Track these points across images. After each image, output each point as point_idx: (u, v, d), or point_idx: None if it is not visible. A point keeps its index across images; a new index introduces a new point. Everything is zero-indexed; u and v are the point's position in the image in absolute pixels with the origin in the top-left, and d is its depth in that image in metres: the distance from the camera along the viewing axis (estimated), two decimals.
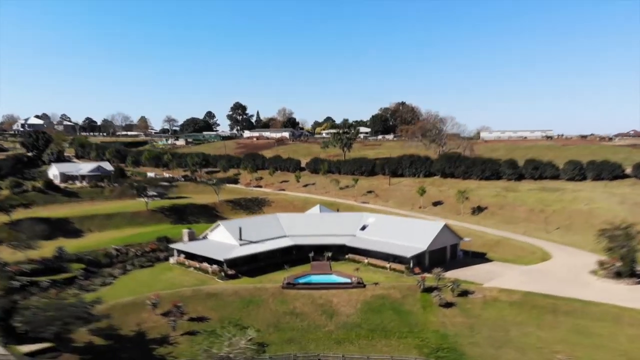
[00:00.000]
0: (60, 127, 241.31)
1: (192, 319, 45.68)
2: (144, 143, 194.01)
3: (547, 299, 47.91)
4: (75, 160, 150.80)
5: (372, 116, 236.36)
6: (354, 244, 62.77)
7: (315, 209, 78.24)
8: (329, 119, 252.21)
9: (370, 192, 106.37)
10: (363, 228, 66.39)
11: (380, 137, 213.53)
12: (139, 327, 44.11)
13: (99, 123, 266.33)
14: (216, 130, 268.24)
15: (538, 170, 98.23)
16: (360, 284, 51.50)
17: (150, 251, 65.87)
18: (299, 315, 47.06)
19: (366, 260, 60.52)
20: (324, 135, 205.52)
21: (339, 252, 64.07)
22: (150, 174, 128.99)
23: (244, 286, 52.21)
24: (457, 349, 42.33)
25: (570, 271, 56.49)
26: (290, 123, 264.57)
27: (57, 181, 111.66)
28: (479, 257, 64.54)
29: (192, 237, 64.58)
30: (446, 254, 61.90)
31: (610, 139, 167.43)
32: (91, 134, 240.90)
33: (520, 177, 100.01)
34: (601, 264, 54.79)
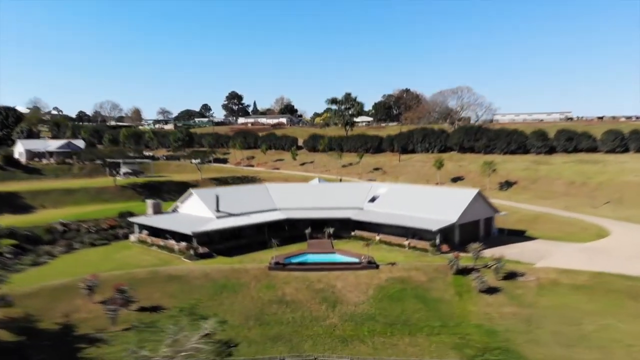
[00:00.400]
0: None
1: (142, 309, 33.85)
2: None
3: (626, 280, 36.20)
4: (48, 139, 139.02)
5: (375, 104, 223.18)
6: (362, 218, 50.87)
7: (314, 181, 66.33)
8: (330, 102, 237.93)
9: (377, 169, 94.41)
10: (372, 200, 54.49)
11: (383, 124, 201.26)
12: (66, 318, 32.27)
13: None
14: (207, 117, 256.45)
15: (572, 141, 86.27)
16: (372, 264, 39.69)
17: (108, 228, 54.00)
18: (290, 304, 35.24)
19: (377, 237, 48.66)
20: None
21: (343, 228, 52.23)
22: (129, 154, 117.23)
23: (219, 267, 40.36)
24: (511, 350, 30.39)
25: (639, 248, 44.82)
26: (288, 110, 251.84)
27: (22, 159, 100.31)
28: (517, 235, 52.67)
29: (158, 210, 52.76)
30: (479, 230, 50.03)
31: (638, 117, 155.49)
32: (81, 124, 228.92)
33: (551, 151, 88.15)
34: None
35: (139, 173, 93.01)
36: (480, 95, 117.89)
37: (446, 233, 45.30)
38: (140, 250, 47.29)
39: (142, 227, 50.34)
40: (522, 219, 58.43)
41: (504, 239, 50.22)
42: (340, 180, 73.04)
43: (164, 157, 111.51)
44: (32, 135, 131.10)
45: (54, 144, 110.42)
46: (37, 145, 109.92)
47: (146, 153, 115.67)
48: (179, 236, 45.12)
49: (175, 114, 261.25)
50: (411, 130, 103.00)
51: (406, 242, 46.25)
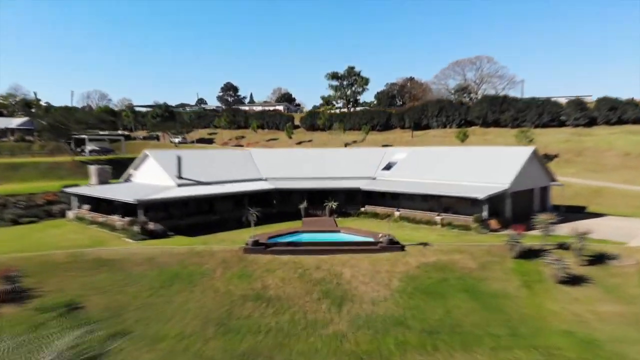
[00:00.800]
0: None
1: (43, 309, 22.22)
2: None
3: None
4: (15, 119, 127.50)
5: (377, 93, 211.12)
6: (375, 188, 39.10)
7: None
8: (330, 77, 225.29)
9: (386, 146, 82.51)
10: (388, 167, 42.71)
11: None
12: None
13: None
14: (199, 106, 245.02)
15: (616, 111, 74.30)
16: (395, 244, 27.98)
17: (44, 203, 42.33)
18: (273, 302, 23.47)
19: (397, 213, 36.88)
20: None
21: (350, 203, 40.58)
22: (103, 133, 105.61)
23: (172, 249, 28.64)
24: None
25: None
26: (286, 99, 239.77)
27: None
28: (577, 212, 40.87)
29: (105, 178, 41.11)
30: (533, 203, 38.35)
31: None
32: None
33: (590, 123, 76.28)
34: None
35: (108, 151, 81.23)
36: (503, 66, 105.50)
37: (494, 205, 33.53)
38: (74, 228, 35.48)
39: (83, 200, 38.56)
40: (579, 193, 46.72)
41: (564, 216, 38.46)
42: (346, 145, 61.25)
43: (142, 138, 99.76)
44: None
45: (15, 121, 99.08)
46: None
47: (121, 132, 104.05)
48: (125, 210, 33.39)
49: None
50: (425, 104, 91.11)
51: (438, 218, 34.49)
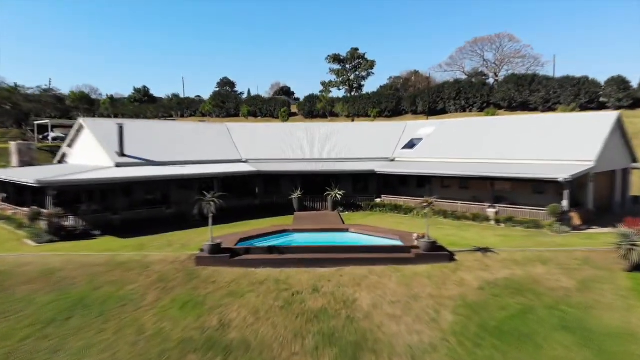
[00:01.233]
0: None
1: None
2: None
3: None
4: None
5: (380, 87, 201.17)
6: (397, 170, 29.11)
7: None
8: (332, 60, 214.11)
9: None
10: (410, 145, 32.70)
11: None
12: None
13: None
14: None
15: None
16: (439, 251, 17.94)
17: None
18: (235, 354, 13.43)
19: (417, 206, 26.79)
20: None
21: (359, 192, 30.70)
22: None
23: (85, 258, 18.63)
24: None
25: None
26: (284, 92, 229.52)
27: None
28: None
29: (30, 159, 31.11)
30: (614, 190, 28.31)
31: None
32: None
33: (635, 104, 66.52)
34: None
35: None
36: (525, 44, 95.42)
37: (572, 190, 23.47)
38: None
39: None
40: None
41: None
42: (353, 119, 51.34)
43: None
44: None
45: None
46: None
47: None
48: (43, 200, 23.34)
49: None
50: (441, 85, 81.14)
51: (491, 211, 24.45)
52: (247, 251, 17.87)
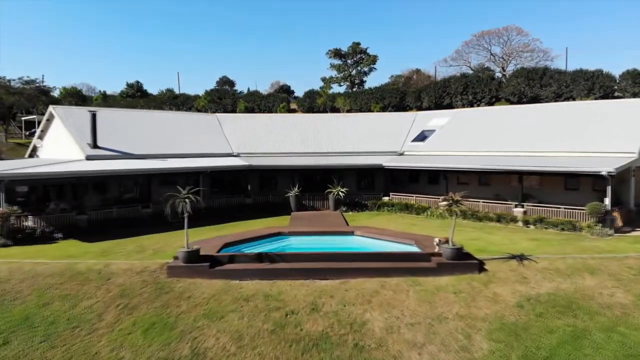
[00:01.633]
0: None
1: None
2: None
3: None
4: None
5: (381, 85, 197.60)
6: (408, 164, 26.08)
7: None
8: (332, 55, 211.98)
9: None
10: (421, 138, 29.63)
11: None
12: None
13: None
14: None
15: None
16: (466, 259, 14.87)
17: None
18: None
19: (440, 204, 23.83)
20: None
21: (366, 190, 27.73)
22: None
23: (36, 267, 15.57)
24: None
25: None
26: (284, 91, 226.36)
27: None
28: None
29: None
30: None
31: None
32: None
33: None
34: None
35: None
36: (534, 38, 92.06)
37: (614, 186, 20.42)
38: None
39: None
40: None
41: None
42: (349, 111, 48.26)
43: None
44: None
45: None
46: None
47: None
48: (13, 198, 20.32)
49: None
50: (447, 79, 78.11)
51: (518, 211, 21.38)
52: (232, 259, 14.81)
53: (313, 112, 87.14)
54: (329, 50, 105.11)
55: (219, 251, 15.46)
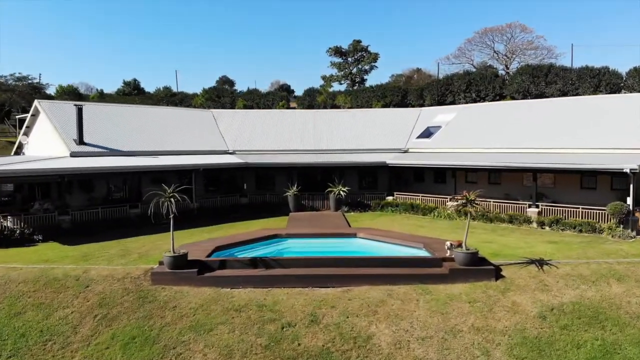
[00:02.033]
0: None
1: None
2: None
3: None
4: None
5: (382, 84, 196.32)
6: (414, 162, 24.86)
7: None
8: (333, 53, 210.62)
9: None
10: (427, 134, 28.38)
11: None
12: None
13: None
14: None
15: None
16: (481, 264, 13.57)
17: None
18: None
19: (449, 203, 22.54)
20: None
21: (369, 189, 26.53)
22: None
23: (9, 273, 14.29)
24: None
25: None
26: (284, 89, 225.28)
27: None
28: None
29: None
30: None
31: None
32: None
33: None
34: None
35: None
36: (538, 35, 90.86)
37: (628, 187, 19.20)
38: None
39: None
40: None
41: None
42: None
43: None
44: None
45: None
46: None
47: None
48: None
49: None
50: (449, 76, 76.85)
51: (533, 211, 20.12)
52: (223, 264, 13.54)
53: (312, 109, 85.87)
54: (330, 48, 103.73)
55: (209, 255, 14.20)
